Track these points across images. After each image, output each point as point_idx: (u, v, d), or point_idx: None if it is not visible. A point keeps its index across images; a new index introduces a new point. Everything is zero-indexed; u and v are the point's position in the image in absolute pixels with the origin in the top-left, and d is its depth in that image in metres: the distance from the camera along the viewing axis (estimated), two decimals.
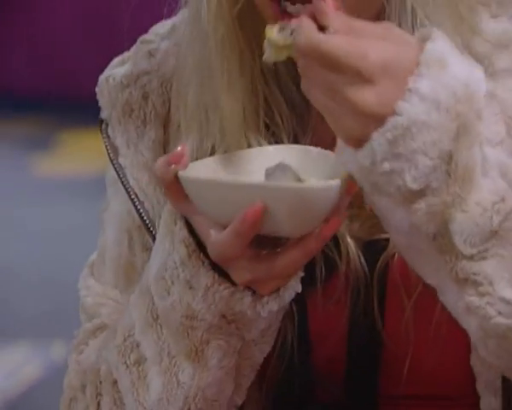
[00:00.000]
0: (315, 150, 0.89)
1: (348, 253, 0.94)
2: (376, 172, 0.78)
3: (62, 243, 4.50)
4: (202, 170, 0.89)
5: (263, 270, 0.84)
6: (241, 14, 0.94)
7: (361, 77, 0.76)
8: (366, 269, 0.94)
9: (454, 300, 0.82)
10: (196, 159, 0.94)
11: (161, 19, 1.01)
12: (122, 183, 0.98)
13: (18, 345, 3.72)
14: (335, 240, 0.94)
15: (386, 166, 0.77)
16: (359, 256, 0.94)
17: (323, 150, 0.88)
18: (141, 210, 0.98)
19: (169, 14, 1.00)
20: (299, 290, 0.87)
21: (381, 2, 0.90)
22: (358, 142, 0.78)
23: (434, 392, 0.96)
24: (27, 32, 6.45)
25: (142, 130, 1.00)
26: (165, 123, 1.01)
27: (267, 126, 0.97)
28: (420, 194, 0.78)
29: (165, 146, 1.01)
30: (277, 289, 0.86)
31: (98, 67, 1.13)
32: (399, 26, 0.88)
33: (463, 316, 0.82)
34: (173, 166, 0.84)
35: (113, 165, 0.99)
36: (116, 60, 1.04)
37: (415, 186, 0.78)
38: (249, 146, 0.95)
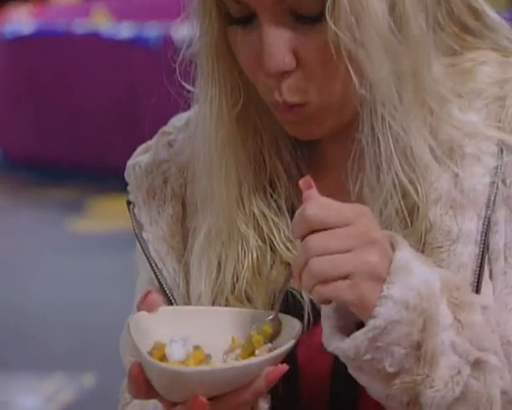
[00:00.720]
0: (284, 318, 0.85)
1: None
2: (359, 360, 0.78)
3: (90, 289, 4.49)
4: (170, 317, 0.85)
5: None
6: (242, 116, 0.92)
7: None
8: None
9: None
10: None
11: (179, 108, 0.99)
12: (145, 254, 0.96)
13: (54, 377, 3.70)
14: None
15: (368, 356, 0.77)
16: None
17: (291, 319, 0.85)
18: (159, 277, 0.96)
19: (186, 107, 0.98)
20: None
21: (356, 108, 0.87)
22: (363, 309, 0.77)
23: None
24: (68, 116, 6.51)
25: (162, 208, 1.00)
26: (183, 201, 0.99)
27: (271, 195, 0.95)
28: (395, 375, 0.78)
29: (182, 221, 0.99)
30: None
31: (124, 146, 1.12)
32: (372, 128, 0.86)
33: None
34: (139, 304, 0.84)
35: (138, 239, 0.97)
36: (141, 148, 1.03)
37: (391, 370, 0.78)
38: (239, 231, 0.93)
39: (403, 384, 0.79)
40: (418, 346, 0.78)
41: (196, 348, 0.81)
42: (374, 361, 0.78)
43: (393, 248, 0.79)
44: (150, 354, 0.80)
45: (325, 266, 0.76)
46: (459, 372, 0.79)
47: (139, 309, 0.84)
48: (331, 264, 0.76)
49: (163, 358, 0.79)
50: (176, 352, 0.80)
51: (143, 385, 0.80)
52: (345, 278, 0.76)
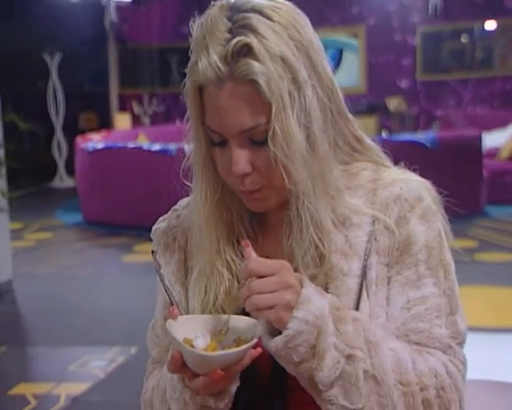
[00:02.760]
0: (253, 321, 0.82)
1: None
2: (278, 353, 0.78)
3: (135, 298, 4.39)
4: (184, 322, 0.82)
5: (192, 383, 0.80)
6: (220, 201, 0.90)
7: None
8: None
9: (318, 402, 0.81)
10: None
11: (187, 190, 0.97)
12: (162, 282, 0.95)
13: (113, 348, 3.62)
14: None
15: (283, 352, 0.78)
16: None
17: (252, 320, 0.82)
18: (171, 296, 0.94)
19: (187, 194, 0.97)
20: (235, 389, 0.83)
21: (287, 196, 0.86)
22: (282, 322, 0.77)
23: None
24: (122, 196, 6.43)
25: (172, 255, 0.97)
26: (185, 250, 0.97)
27: (237, 247, 0.91)
28: (300, 363, 0.78)
29: (184, 262, 0.96)
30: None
31: (154, 215, 1.10)
32: (297, 208, 0.85)
33: None
34: (167, 315, 0.82)
35: (158, 273, 0.96)
36: (161, 218, 1.02)
37: (297, 360, 0.78)
38: (217, 270, 0.90)
39: (304, 368, 0.78)
40: (314, 347, 0.77)
41: (212, 340, 0.80)
42: (286, 355, 0.77)
43: (302, 285, 0.78)
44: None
45: (259, 301, 0.76)
46: (338, 362, 0.78)
47: (166, 318, 0.82)
48: (263, 300, 0.76)
49: (192, 347, 0.78)
50: (200, 343, 0.78)
51: (180, 365, 0.78)
52: (270, 308, 0.76)
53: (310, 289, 0.78)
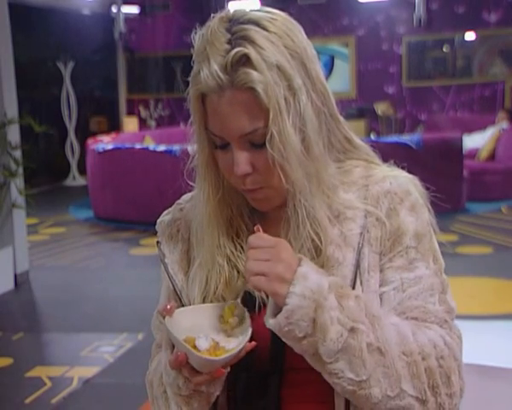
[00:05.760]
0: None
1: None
2: (281, 331, 0.77)
3: (141, 286, 4.37)
4: (182, 316, 0.81)
5: (195, 379, 0.80)
6: (221, 199, 0.89)
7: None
8: None
9: (326, 377, 0.80)
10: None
11: (188, 188, 0.97)
12: (166, 271, 0.94)
13: (122, 335, 3.61)
14: None
15: (286, 328, 0.76)
16: None
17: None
18: (174, 284, 0.93)
19: (190, 189, 0.97)
20: (225, 376, 0.82)
21: (285, 196, 0.86)
22: (280, 298, 0.77)
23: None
24: (130, 193, 6.40)
25: (175, 245, 0.96)
26: (188, 241, 0.96)
27: (237, 241, 0.91)
28: (302, 337, 0.77)
29: (187, 252, 0.95)
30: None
31: (160, 207, 1.09)
32: (294, 206, 0.85)
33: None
34: (164, 312, 0.80)
35: (162, 262, 0.95)
36: (165, 211, 1.01)
37: (300, 335, 0.77)
38: (218, 262, 0.89)
39: (308, 342, 0.77)
40: (314, 320, 0.76)
41: (213, 340, 0.79)
42: (289, 331, 0.76)
43: (299, 264, 0.77)
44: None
45: (253, 266, 0.76)
46: (341, 335, 0.77)
47: (164, 315, 0.80)
48: (256, 265, 0.76)
49: (194, 348, 0.77)
50: (203, 344, 0.77)
51: (184, 363, 0.78)
52: (263, 275, 0.76)
53: (307, 268, 0.77)
